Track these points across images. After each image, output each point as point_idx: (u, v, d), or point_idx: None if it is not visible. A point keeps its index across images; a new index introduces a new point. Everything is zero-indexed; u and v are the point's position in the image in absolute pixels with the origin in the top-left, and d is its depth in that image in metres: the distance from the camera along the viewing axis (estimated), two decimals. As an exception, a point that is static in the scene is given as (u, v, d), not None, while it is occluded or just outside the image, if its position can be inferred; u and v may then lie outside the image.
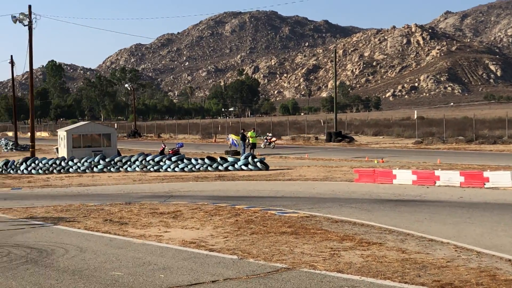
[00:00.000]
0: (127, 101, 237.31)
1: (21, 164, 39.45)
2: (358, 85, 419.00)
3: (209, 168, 35.74)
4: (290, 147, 59.62)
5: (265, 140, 59.10)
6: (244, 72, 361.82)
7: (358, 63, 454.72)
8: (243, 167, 35.24)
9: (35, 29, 43.54)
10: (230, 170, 35.33)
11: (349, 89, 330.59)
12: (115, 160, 38.34)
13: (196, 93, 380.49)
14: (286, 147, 59.62)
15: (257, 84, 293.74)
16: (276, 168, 35.75)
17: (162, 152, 42.92)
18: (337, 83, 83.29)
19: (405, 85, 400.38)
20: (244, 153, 42.95)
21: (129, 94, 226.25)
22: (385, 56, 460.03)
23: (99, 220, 18.54)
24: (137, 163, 37.62)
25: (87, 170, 38.20)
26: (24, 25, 43.03)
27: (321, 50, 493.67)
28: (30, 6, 43.61)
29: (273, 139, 59.32)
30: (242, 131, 49.83)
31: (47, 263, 12.67)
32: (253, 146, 46.28)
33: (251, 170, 34.92)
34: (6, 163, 39.73)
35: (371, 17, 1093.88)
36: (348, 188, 25.74)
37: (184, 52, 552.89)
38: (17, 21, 42.69)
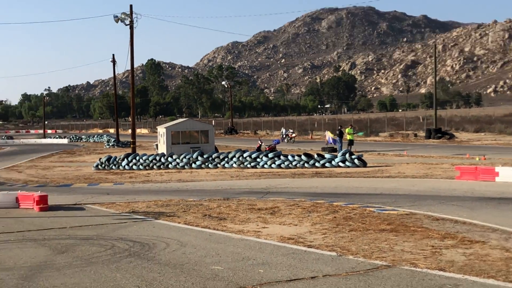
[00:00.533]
0: (224, 98, 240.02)
1: (123, 160, 40.43)
2: (458, 81, 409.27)
3: (306, 164, 35.67)
4: (388, 143, 58.86)
5: (285, 135, 66.63)
6: (341, 69, 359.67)
7: (458, 59, 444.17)
8: (340, 164, 35.00)
9: (136, 28, 44.59)
10: (327, 167, 35.14)
11: (448, 85, 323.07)
12: (213, 156, 38.77)
13: (292, 90, 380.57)
14: (384, 144, 58.90)
15: (354, 80, 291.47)
16: (374, 165, 35.34)
17: (258, 149, 43.14)
18: (437, 78, 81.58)
19: (507, 80, 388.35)
20: (341, 149, 42.66)
21: (225, 91, 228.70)
22: (486, 51, 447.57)
23: (198, 215, 18.81)
24: (234, 159, 37.93)
25: (185, 166, 38.78)
26: (126, 25, 44.08)
27: (419, 46, 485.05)
28: (131, 6, 44.62)
29: (294, 135, 67.40)
30: (339, 127, 49.51)
31: (149, 257, 12.96)
32: (351, 142, 45.90)
33: (348, 167, 34.62)
34: (108, 159, 40.81)
35: (472, 11, 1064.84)
36: (449, 186, 25.16)
37: (280, 49, 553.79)
38: (119, 21, 43.77)
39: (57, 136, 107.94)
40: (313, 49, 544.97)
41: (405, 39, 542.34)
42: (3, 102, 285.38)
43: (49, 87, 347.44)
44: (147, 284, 10.71)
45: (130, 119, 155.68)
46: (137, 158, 40.10)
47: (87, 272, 11.66)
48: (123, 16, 43.70)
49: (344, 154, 35.58)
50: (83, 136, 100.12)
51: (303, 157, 36.02)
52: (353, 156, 35.22)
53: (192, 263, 12.27)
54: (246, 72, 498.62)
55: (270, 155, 37.00)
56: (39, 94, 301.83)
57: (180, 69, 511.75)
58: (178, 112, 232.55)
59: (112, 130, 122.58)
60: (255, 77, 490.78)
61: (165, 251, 13.49)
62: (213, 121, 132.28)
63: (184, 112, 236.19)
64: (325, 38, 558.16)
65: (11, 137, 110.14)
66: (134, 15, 44.11)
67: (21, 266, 12.41)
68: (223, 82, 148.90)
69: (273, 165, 36.39)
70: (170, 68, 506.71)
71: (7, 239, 15.74)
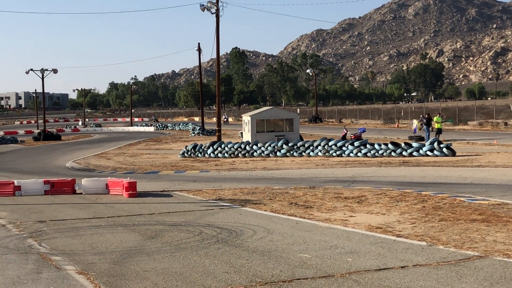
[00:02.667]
0: (308, 86, 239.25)
1: (208, 148, 40.82)
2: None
3: (392, 153, 35.16)
4: (477, 132, 57.44)
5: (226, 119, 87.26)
6: (428, 56, 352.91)
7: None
8: (428, 152, 34.33)
9: (221, 17, 44.79)
10: (414, 156, 34.55)
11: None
12: (298, 144, 38.67)
13: (378, 78, 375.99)
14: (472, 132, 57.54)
15: (441, 68, 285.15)
16: (463, 154, 34.52)
17: (344, 137, 42.82)
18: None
19: None
20: (428, 138, 41.88)
21: (309, 79, 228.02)
22: None
23: (284, 203, 18.81)
24: (319, 148, 37.73)
25: (270, 154, 38.85)
26: (212, 13, 44.34)
27: (510, 32, 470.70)
28: (217, -6, 44.86)
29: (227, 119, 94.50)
30: (426, 115, 48.57)
31: (236, 243, 13.02)
32: (439, 131, 44.96)
33: (436, 156, 33.93)
34: (194, 147, 41.28)
35: None
36: (542, 176, 24.34)
37: (366, 37, 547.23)
38: (205, 9, 44.07)
39: (143, 124, 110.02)
40: (399, 36, 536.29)
41: (494, 26, 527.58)
42: (92, 90, 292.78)
43: (135, 76, 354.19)
44: (235, 270, 10.76)
45: (214, 107, 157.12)
46: (223, 146, 40.41)
47: (176, 258, 11.81)
48: (209, 4, 43.96)
49: (432, 143, 34.89)
50: (169, 124, 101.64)
51: (389, 145, 35.53)
52: (441, 145, 34.49)
53: (280, 250, 12.26)
54: (331, 60, 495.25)
55: (356, 143, 36.63)
56: (126, 83, 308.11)
57: (264, 58, 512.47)
58: (262, 100, 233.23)
59: (197, 119, 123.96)
60: (339, 65, 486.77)
61: (252, 238, 13.54)
62: (298, 109, 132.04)
63: (268, 100, 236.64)
64: (411, 25, 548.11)
65: (99, 125, 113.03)
66: (220, 4, 44.30)
67: (112, 250, 12.69)
68: (308, 70, 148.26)
69: (359, 154, 36.03)
70: (254, 57, 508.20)
71: (99, 224, 16.13)
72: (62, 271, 11.11)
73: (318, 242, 12.91)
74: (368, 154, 35.70)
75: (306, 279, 10.13)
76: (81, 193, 22.99)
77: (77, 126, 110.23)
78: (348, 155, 36.42)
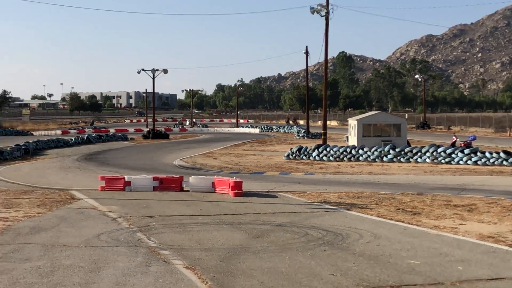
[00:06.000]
0: (416, 92, 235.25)
1: (313, 150, 40.70)
2: None
3: (504, 162, 34.03)
4: None
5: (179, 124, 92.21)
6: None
7: None
8: (542, 162, 33.06)
9: (331, 20, 44.53)
10: (527, 166, 33.34)
11: None
12: (405, 150, 38.01)
13: (489, 86, 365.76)
14: None
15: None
16: None
17: (453, 145, 41.81)
18: None
19: None
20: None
21: (417, 85, 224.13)
22: None
23: (391, 209, 18.51)
24: (427, 154, 36.97)
25: (376, 159, 38.36)
26: (321, 16, 44.13)
27: None
28: (328, -3, 44.65)
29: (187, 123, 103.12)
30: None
31: (342, 246, 12.89)
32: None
33: (551, 166, 32.64)
34: (299, 149, 41.26)
35: None
36: None
37: (477, 43, 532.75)
38: (315, 12, 43.93)
39: (249, 126, 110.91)
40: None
41: None
42: (199, 92, 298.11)
43: (241, 78, 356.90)
44: (342, 273, 10.64)
45: (319, 111, 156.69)
46: (328, 149, 40.21)
47: (282, 258, 11.80)
48: (319, 7, 43.78)
49: (546, 153, 33.58)
50: (273, 127, 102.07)
51: (501, 154, 34.43)
52: (557, 155, 33.14)
53: (387, 255, 12.05)
54: (440, 66, 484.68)
55: (466, 151, 35.67)
56: (232, 85, 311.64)
57: (371, 62, 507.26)
58: (368, 105, 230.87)
59: (301, 122, 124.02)
60: (449, 71, 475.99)
61: (358, 242, 13.37)
62: (406, 114, 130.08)
63: (374, 105, 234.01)
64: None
65: (206, 126, 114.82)
66: (330, 7, 44.08)
67: (219, 247, 12.81)
68: (416, 76, 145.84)
69: (469, 162, 35.06)
70: (361, 61, 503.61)
71: (205, 222, 16.34)
72: (170, 265, 11.30)
73: (427, 249, 12.62)
74: (479, 162, 34.70)
75: (414, 285, 9.92)
76: (188, 191, 23.37)
77: (184, 126, 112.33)
78: (458, 162, 35.52)
